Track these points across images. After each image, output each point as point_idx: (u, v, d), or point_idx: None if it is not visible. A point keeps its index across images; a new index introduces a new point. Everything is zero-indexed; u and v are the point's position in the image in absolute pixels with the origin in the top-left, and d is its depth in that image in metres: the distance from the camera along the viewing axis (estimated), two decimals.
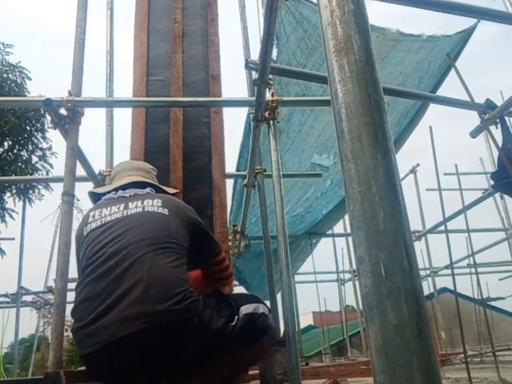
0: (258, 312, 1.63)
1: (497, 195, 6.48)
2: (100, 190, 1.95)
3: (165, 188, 1.95)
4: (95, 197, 1.94)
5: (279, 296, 2.24)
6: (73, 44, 2.48)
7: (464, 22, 4.25)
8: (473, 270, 4.79)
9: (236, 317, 1.57)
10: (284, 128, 4.35)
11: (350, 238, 5.08)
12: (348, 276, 8.68)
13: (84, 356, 1.44)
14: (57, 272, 1.97)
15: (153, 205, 1.65)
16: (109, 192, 1.82)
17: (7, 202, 5.94)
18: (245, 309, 1.61)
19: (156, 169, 2.10)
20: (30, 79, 6.00)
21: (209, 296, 1.67)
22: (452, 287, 4.61)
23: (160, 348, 1.39)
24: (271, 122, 2.40)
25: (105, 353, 1.37)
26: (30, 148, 5.91)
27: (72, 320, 1.51)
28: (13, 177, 5.54)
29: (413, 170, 7.90)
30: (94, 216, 1.67)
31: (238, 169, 4.26)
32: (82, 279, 1.52)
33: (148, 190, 1.80)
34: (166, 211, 1.63)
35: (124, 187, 1.81)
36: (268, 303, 2.45)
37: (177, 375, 1.51)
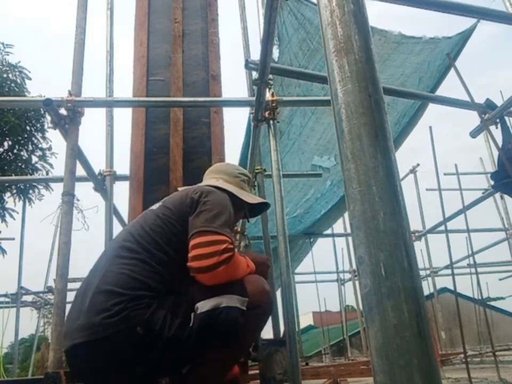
0: (219, 306, 1.30)
1: (497, 195, 6.48)
2: None
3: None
4: None
5: (278, 296, 2.24)
6: (73, 44, 2.49)
7: (464, 22, 4.26)
8: (473, 270, 4.78)
9: (192, 314, 1.31)
10: (285, 130, 4.35)
11: (350, 238, 5.07)
12: (348, 276, 8.69)
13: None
14: (57, 272, 1.98)
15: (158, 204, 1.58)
16: None
17: (7, 202, 5.95)
18: (200, 307, 1.30)
19: (248, 175, 1.87)
20: (30, 79, 6.01)
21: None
22: (452, 287, 4.61)
23: (108, 357, 1.28)
24: (271, 122, 2.40)
25: (69, 357, 1.38)
26: (30, 148, 5.91)
27: None
28: (13, 177, 5.54)
29: (413, 170, 7.91)
30: None
31: None
32: None
33: None
34: (156, 205, 1.56)
35: None
36: None
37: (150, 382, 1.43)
